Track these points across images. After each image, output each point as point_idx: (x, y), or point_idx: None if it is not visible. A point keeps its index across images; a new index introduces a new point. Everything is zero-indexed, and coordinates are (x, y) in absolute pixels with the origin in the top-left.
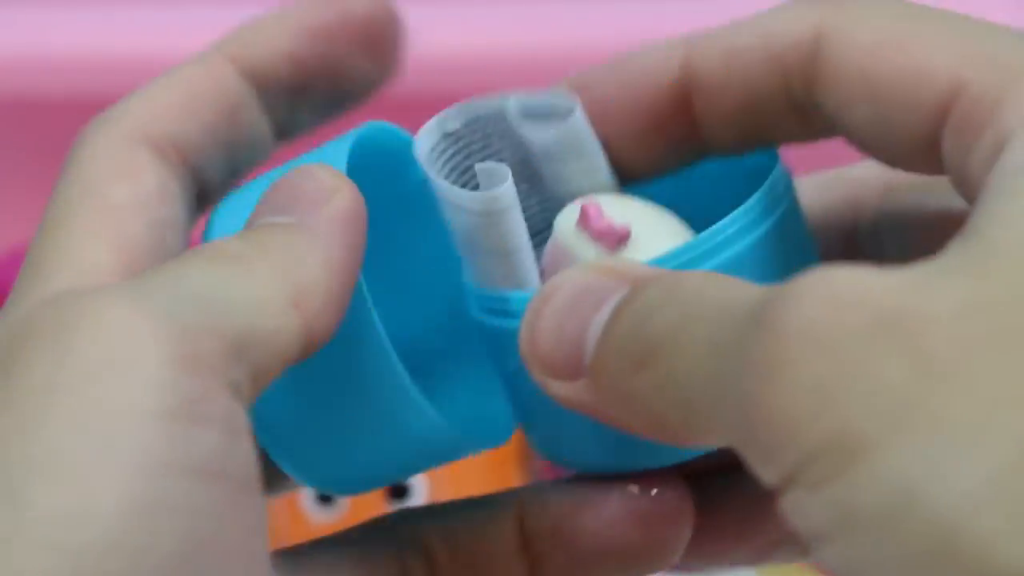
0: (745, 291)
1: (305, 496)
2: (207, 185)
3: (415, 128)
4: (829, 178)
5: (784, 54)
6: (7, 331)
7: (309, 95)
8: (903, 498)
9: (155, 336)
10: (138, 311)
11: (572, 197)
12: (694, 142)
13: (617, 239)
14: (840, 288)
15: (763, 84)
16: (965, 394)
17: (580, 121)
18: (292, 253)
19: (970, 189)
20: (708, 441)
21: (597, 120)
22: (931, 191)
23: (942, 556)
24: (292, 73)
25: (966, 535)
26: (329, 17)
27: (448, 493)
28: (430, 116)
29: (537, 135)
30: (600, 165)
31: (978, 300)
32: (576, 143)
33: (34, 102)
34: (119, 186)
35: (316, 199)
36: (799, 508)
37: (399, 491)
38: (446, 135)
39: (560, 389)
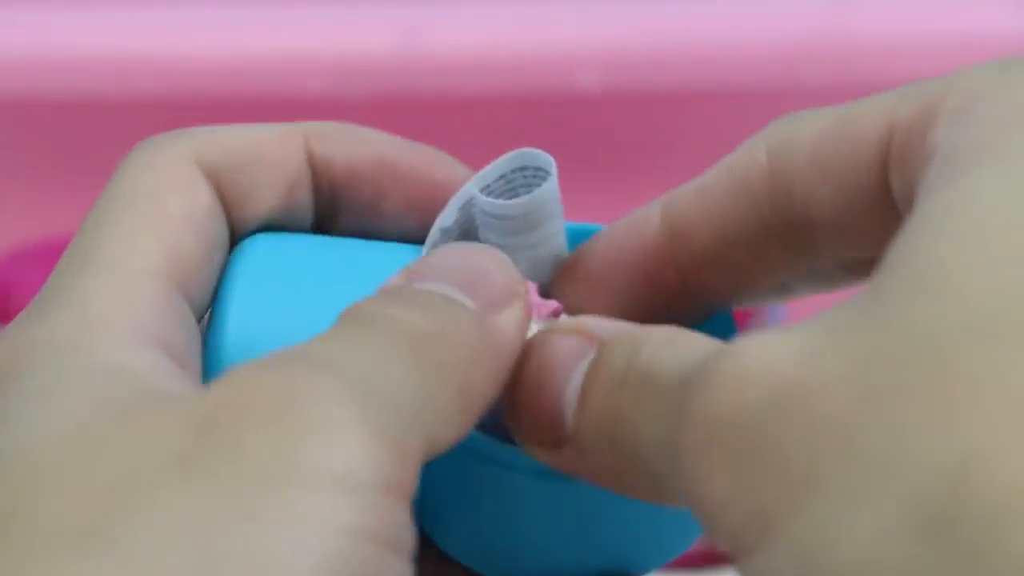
0: (690, 358)
1: None
2: (240, 232)
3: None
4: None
5: (747, 178)
6: (66, 318)
7: (350, 210)
8: (804, 566)
9: (376, 459)
10: (363, 424)
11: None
12: (687, 295)
13: (550, 313)
14: (744, 365)
15: (734, 214)
16: (849, 458)
17: (554, 183)
18: (470, 351)
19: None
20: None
21: (596, 284)
22: None
23: None
24: (350, 183)
25: None
26: (412, 162)
27: None
28: (431, 116)
29: (509, 209)
30: (561, 228)
31: (863, 359)
32: (551, 205)
33: (34, 102)
34: (175, 197)
35: (498, 298)
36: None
37: None
38: (444, 231)
39: (549, 457)
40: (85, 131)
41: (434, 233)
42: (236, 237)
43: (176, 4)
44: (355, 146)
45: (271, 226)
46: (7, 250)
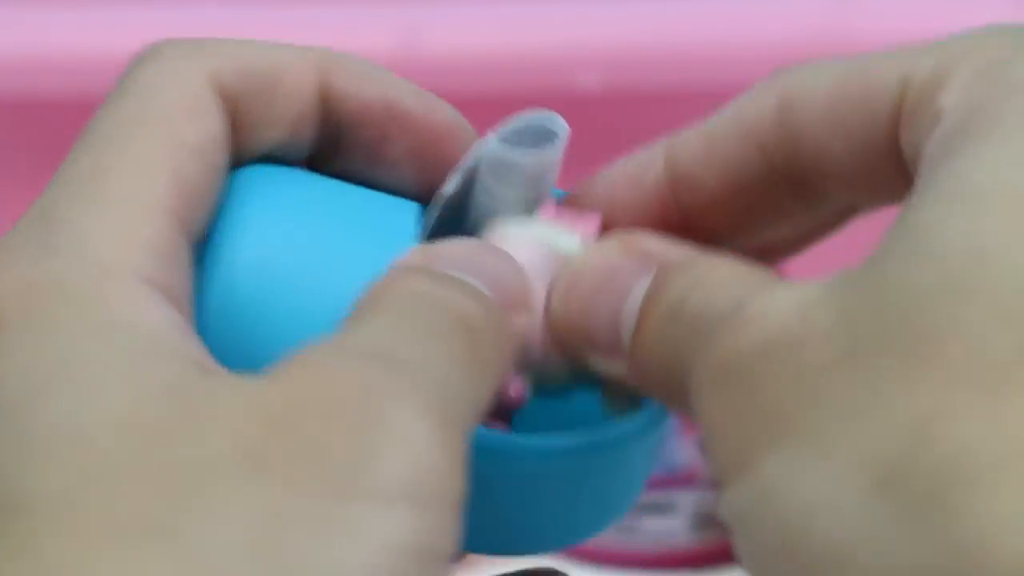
0: (722, 303)
1: None
2: (240, 160)
3: None
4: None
5: (755, 125)
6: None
7: (351, 149)
8: (764, 502)
9: (445, 473)
10: (439, 436)
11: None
12: (687, 239)
13: (595, 228)
14: (752, 312)
15: (741, 159)
16: (821, 406)
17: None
18: (503, 351)
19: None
20: None
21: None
22: None
23: (785, 555)
24: (358, 122)
25: (805, 538)
26: (420, 110)
27: None
28: None
29: (525, 159)
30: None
31: (846, 318)
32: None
33: (34, 102)
34: (189, 125)
35: (512, 303)
36: (719, 506)
37: None
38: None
39: (605, 366)
40: None
41: (439, 197)
42: (234, 165)
43: (176, 4)
44: (370, 84)
45: (269, 157)
46: None
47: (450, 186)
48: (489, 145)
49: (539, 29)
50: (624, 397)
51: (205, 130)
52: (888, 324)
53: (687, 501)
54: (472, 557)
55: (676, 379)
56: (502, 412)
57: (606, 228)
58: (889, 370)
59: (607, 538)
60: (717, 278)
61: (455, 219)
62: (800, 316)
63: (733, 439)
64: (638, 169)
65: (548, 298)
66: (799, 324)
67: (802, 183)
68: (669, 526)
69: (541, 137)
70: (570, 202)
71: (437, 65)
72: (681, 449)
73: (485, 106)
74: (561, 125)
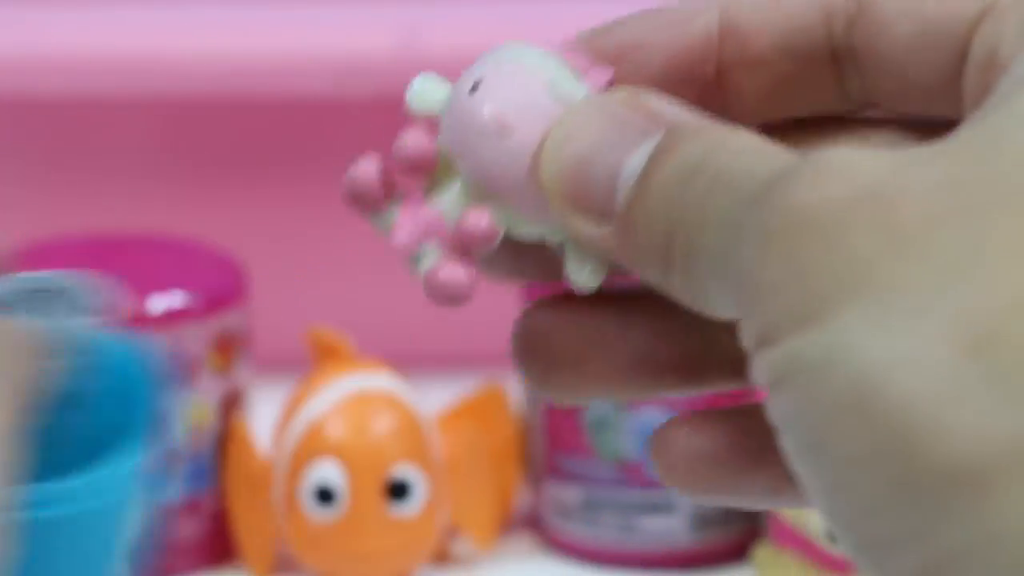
0: (768, 163)
1: (305, 496)
2: None
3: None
4: None
5: None
6: None
7: None
8: (839, 353)
9: None
10: None
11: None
12: (713, 99)
13: (605, 81)
14: (832, 165)
15: (805, 23)
16: (922, 264)
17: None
18: None
19: (992, 75)
20: (716, 313)
21: (625, 68)
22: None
23: (854, 408)
24: None
25: (883, 390)
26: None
27: (448, 493)
28: None
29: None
30: None
31: (953, 179)
32: None
33: (34, 102)
34: None
35: None
36: (761, 364)
37: (399, 491)
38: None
39: (584, 228)
40: (85, 131)
41: None
42: None
43: (176, 4)
44: None
45: None
46: (7, 250)
47: None
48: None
49: (539, 29)
50: (588, 263)
51: None
52: (1001, 186)
53: (687, 501)
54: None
55: (674, 245)
56: (466, 248)
57: (624, 78)
58: (999, 232)
59: (607, 538)
60: (743, 143)
61: None
62: (897, 173)
63: (799, 290)
64: (686, 11)
65: (540, 145)
66: (896, 180)
67: (856, 68)
68: (669, 526)
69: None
70: (591, 42)
71: (437, 65)
72: None
73: None
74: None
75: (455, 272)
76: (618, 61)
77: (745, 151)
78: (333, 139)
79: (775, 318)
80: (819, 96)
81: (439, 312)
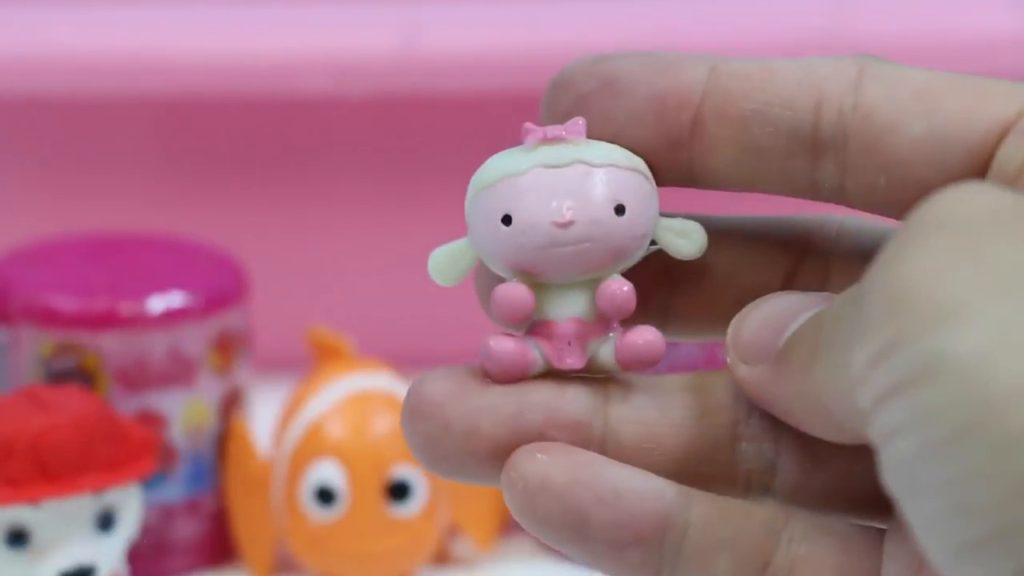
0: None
1: (305, 496)
2: None
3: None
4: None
5: (824, 80)
6: None
7: None
8: (985, 348)
9: None
10: None
11: None
12: (689, 153)
13: None
14: (969, 188)
15: (795, 102)
16: None
17: None
18: None
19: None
20: (849, 432)
21: (607, 96)
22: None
23: (976, 424)
24: None
25: (1014, 411)
26: None
27: (448, 493)
28: (431, 116)
29: None
30: None
31: None
32: None
33: (34, 102)
34: None
35: None
36: (886, 369)
37: (399, 491)
38: None
39: (741, 371)
40: (85, 131)
41: None
42: None
43: (176, 4)
44: None
45: None
46: (7, 250)
47: None
48: None
49: (538, 29)
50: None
51: None
52: None
53: None
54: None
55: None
56: (617, 316)
57: (605, 107)
58: None
59: None
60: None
61: None
62: None
63: (933, 288)
64: (679, 57)
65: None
66: None
67: (834, 159)
68: None
69: None
70: (587, 69)
71: (437, 65)
72: None
73: (485, 106)
74: None
75: (646, 333)
76: (604, 88)
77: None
78: (333, 139)
79: (908, 318)
80: (786, 177)
81: (439, 312)
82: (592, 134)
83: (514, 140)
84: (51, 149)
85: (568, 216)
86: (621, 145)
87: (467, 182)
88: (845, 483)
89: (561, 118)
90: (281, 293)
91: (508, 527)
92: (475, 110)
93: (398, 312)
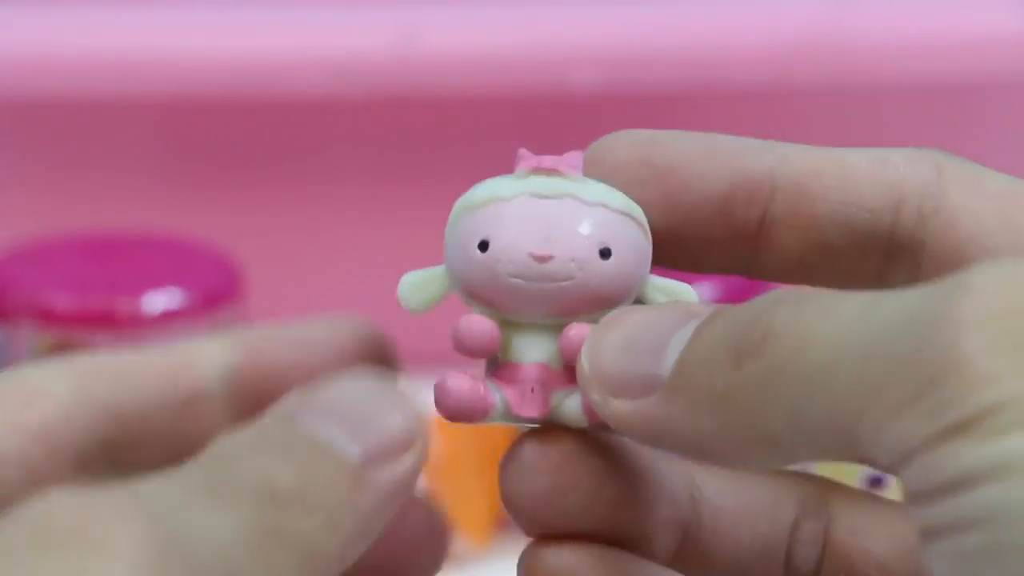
0: (896, 298)
1: None
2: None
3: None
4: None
5: (903, 180)
6: None
7: None
8: None
9: None
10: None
11: None
12: (753, 248)
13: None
14: (1015, 264)
15: (874, 208)
16: None
17: None
18: (329, 513)
19: None
20: (804, 442)
21: (671, 185)
22: None
23: None
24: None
25: None
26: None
27: (444, 491)
28: (430, 116)
29: None
30: None
31: None
32: None
33: (34, 102)
34: None
35: (385, 448)
36: (954, 456)
37: None
38: None
39: (623, 407)
40: (85, 131)
41: None
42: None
43: (176, 4)
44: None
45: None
46: (5, 248)
47: None
48: None
49: (537, 29)
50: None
51: None
52: None
53: None
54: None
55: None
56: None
57: (669, 197)
58: None
59: None
60: (853, 297)
61: None
62: None
63: (1019, 380)
64: (746, 145)
65: (583, 342)
66: None
67: (910, 263)
68: None
69: None
70: (647, 148)
71: (436, 65)
72: None
73: (484, 106)
74: None
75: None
76: (660, 177)
77: (829, 297)
78: (331, 139)
79: (990, 405)
80: (855, 275)
81: (438, 312)
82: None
83: (512, 140)
84: (49, 148)
85: (548, 250)
86: (679, 233)
87: (466, 182)
88: None
89: None
90: (278, 292)
91: (502, 524)
92: (473, 110)
93: (395, 312)
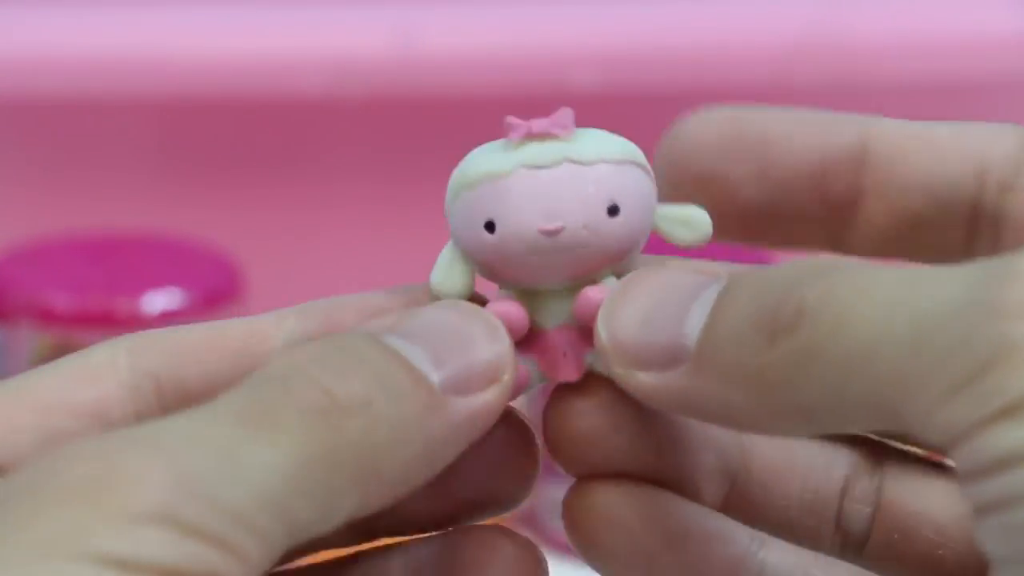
0: (965, 280)
1: None
2: None
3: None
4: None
5: (985, 151)
6: None
7: None
8: None
9: (170, 550)
10: (165, 514)
11: None
12: (841, 222)
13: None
14: None
15: (957, 172)
16: None
17: None
18: (395, 432)
19: None
20: (842, 417)
21: (768, 157)
22: None
23: None
24: None
25: None
26: None
27: None
28: (429, 116)
29: None
30: None
31: None
32: None
33: (34, 102)
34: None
35: (470, 377)
36: (1002, 438)
37: None
38: None
39: (648, 380)
40: (85, 131)
41: None
42: None
43: (176, 4)
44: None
45: None
46: (5, 249)
47: None
48: None
49: (537, 29)
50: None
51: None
52: None
53: None
54: None
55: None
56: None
57: (766, 169)
58: None
59: None
60: (890, 273)
61: None
62: None
63: None
64: (832, 118)
65: (599, 308)
66: None
67: (992, 234)
68: None
69: None
70: (733, 121)
71: (436, 65)
72: None
73: (484, 106)
74: None
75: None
76: (753, 148)
77: (863, 266)
78: (330, 139)
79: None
80: (940, 248)
81: None
82: (726, 196)
83: None
84: (49, 148)
85: (556, 223)
86: (773, 208)
87: None
88: (933, 558)
89: (690, 179)
90: (277, 292)
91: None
92: (472, 110)
93: None
